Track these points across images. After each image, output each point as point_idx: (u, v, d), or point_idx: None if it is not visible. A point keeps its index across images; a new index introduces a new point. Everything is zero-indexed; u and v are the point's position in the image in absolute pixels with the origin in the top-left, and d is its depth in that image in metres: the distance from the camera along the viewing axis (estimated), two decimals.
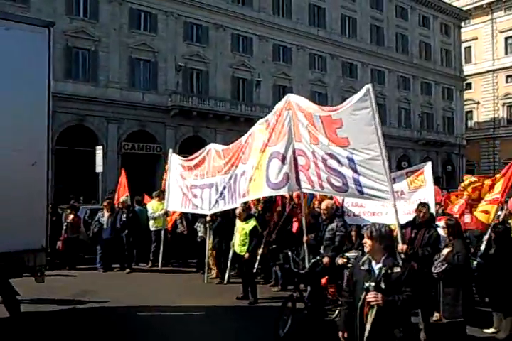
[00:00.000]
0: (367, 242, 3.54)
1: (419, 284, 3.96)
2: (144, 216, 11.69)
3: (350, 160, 5.80)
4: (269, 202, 9.45)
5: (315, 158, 6.32)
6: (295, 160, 6.76)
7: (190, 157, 10.56)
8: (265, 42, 33.03)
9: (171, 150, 11.89)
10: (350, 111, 5.72)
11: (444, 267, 5.54)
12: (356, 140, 5.71)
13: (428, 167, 7.54)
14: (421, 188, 7.48)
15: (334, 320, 6.44)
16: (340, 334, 3.63)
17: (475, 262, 6.73)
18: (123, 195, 12.08)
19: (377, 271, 3.45)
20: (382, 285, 3.36)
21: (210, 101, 29.49)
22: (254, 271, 8.20)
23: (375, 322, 3.33)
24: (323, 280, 6.46)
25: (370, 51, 38.98)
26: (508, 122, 50.31)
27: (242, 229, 8.21)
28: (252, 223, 8.22)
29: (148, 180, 23.94)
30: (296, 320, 5.90)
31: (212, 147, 9.79)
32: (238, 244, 8.23)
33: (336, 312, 6.66)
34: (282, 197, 9.07)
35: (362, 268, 3.54)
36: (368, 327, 3.35)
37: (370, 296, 3.31)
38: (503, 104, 50.62)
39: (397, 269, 3.42)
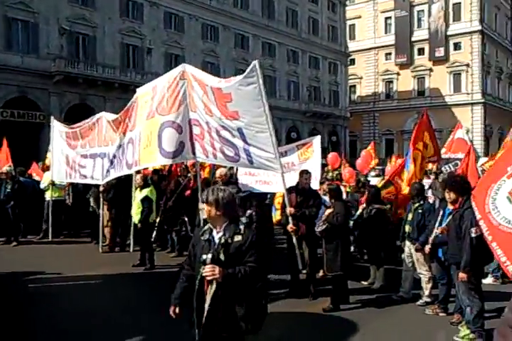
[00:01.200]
0: (204, 208, 3.17)
1: (263, 253, 3.55)
2: (30, 187, 11.18)
3: (241, 132, 6.06)
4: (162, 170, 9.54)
5: (209, 128, 6.48)
6: (190, 129, 6.87)
7: (76, 125, 10.15)
8: (156, 9, 31.98)
9: (52, 118, 11.38)
10: (238, 86, 5.89)
11: (324, 226, 6.13)
12: (245, 114, 5.94)
13: (317, 140, 8.11)
14: (309, 159, 8.04)
15: None
16: (171, 309, 3.24)
17: (351, 222, 7.53)
18: (5, 165, 11.43)
19: (217, 241, 3.09)
20: (222, 257, 3.00)
21: (97, 67, 28.01)
22: (152, 239, 8.34)
23: (214, 299, 2.97)
24: None
25: (261, 24, 39.42)
26: (387, 96, 54.31)
27: (138, 198, 8.28)
28: (144, 192, 8.30)
29: (32, 149, 22.53)
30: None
31: (103, 115, 9.38)
32: (134, 212, 8.31)
33: None
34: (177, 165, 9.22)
35: (202, 238, 3.15)
36: (206, 304, 2.99)
37: (207, 270, 2.91)
38: (383, 80, 54.40)
39: (239, 237, 3.06)
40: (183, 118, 6.81)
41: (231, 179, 7.76)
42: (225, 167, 8.25)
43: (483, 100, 48.20)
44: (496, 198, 4.14)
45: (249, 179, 8.40)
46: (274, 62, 40.29)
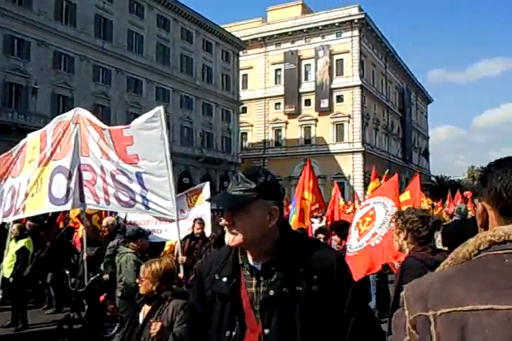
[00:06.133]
0: None
1: None
2: None
3: (139, 177, 5.95)
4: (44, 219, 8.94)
5: (103, 173, 6.28)
6: (80, 175, 6.60)
7: None
8: (45, 48, 30.92)
9: None
10: (140, 130, 5.89)
11: None
12: (145, 158, 5.89)
13: (206, 187, 8.18)
14: (199, 205, 8.05)
15: (112, 337, 6.46)
16: None
17: None
18: None
19: None
20: None
21: None
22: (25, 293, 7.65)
23: None
24: (102, 298, 6.43)
25: (156, 69, 39.72)
26: (276, 144, 56.64)
27: (12, 249, 7.62)
28: (21, 243, 7.68)
29: None
30: None
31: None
32: (6, 265, 7.60)
33: (115, 328, 6.68)
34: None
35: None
36: None
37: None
38: (272, 128, 56.84)
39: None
40: (72, 164, 6.56)
41: (118, 229, 7.46)
42: (113, 216, 7.94)
43: (363, 149, 52.06)
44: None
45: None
46: (168, 107, 40.37)
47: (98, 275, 6.43)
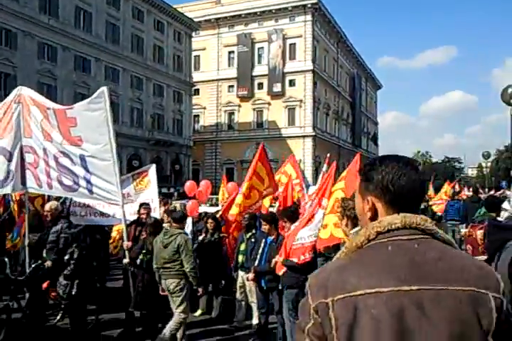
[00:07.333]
0: None
1: None
2: None
3: (83, 159, 5.83)
4: None
5: (46, 155, 6.10)
6: (22, 157, 6.38)
7: None
8: None
9: None
10: (84, 110, 5.75)
11: None
12: (89, 140, 5.77)
13: (152, 169, 8.05)
14: (146, 189, 7.94)
15: (56, 324, 6.39)
16: None
17: None
18: None
19: None
20: None
21: None
22: None
23: None
24: (45, 285, 6.30)
25: (105, 48, 38.46)
26: (228, 127, 56.46)
27: None
28: None
29: None
30: (13, 331, 5.62)
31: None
32: None
33: (58, 316, 6.60)
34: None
35: None
36: None
37: None
38: (225, 111, 56.56)
39: None
40: (13, 145, 6.32)
41: (62, 213, 7.27)
42: (57, 200, 7.74)
43: (313, 133, 52.76)
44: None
45: (84, 210, 7.99)
46: (118, 87, 39.39)
47: (40, 262, 6.28)
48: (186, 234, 6.31)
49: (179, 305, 5.72)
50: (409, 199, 1.30)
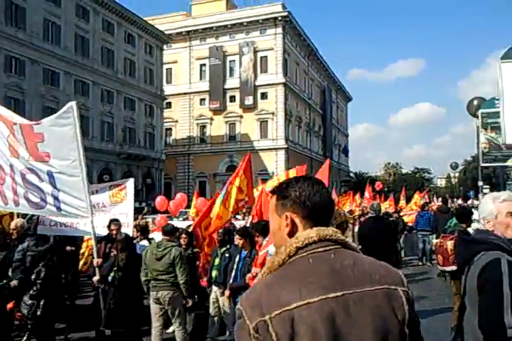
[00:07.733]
0: None
1: None
2: None
3: (50, 176, 5.73)
4: None
5: (13, 172, 5.97)
6: None
7: None
8: None
9: None
10: (52, 126, 5.64)
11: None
12: (57, 156, 5.67)
13: (130, 183, 7.92)
14: (121, 203, 7.80)
15: None
16: None
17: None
18: None
19: None
20: None
21: None
22: None
23: None
24: (10, 305, 6.07)
25: (75, 61, 38.02)
26: (201, 140, 56.34)
27: None
28: None
29: None
30: None
31: None
32: None
33: (25, 337, 6.37)
34: None
35: None
36: None
37: None
38: (197, 124, 56.47)
39: None
40: None
41: (28, 231, 7.05)
42: (23, 217, 7.52)
43: (286, 146, 53.07)
44: None
45: (53, 221, 7.77)
46: (88, 101, 38.89)
47: (5, 281, 6.06)
48: (180, 246, 6.35)
49: (177, 317, 5.84)
50: (322, 214, 1.43)
